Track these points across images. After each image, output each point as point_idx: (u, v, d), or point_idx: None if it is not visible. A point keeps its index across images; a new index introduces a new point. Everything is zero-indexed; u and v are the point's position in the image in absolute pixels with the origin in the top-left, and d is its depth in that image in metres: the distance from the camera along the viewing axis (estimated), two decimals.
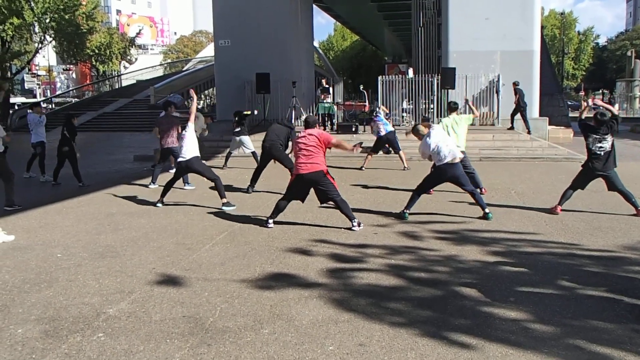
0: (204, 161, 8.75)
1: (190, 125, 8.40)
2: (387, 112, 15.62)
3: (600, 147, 7.35)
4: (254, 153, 12.45)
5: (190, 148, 8.33)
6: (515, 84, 17.28)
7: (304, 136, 6.92)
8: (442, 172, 7.41)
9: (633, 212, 7.48)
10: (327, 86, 18.67)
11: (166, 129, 10.31)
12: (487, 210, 7.44)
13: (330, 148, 6.97)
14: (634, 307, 4.33)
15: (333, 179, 6.92)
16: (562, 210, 7.70)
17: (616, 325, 3.96)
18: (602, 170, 7.44)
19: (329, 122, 17.94)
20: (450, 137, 8.06)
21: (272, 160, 9.87)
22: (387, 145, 12.86)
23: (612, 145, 7.37)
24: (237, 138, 12.67)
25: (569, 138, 20.49)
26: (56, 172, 11.11)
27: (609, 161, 7.41)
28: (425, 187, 7.70)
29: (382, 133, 12.35)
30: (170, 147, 10.20)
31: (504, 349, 3.60)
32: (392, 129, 12.71)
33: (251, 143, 12.75)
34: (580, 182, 7.72)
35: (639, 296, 4.54)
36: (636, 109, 43.01)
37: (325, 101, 17.96)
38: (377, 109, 13.48)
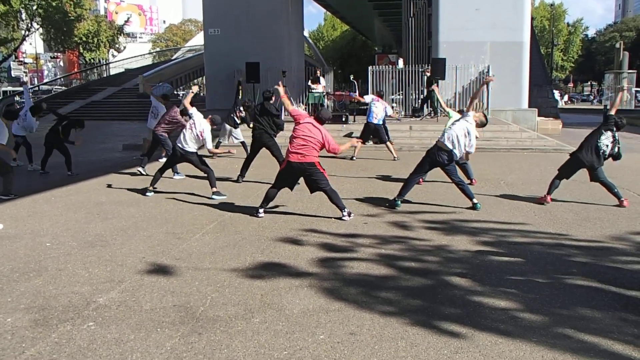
0: None
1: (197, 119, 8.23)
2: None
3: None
4: (243, 143, 12.41)
5: (191, 142, 8.18)
6: (426, 71, 17.72)
7: (309, 123, 6.73)
8: (431, 156, 7.44)
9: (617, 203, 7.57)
10: (317, 75, 18.58)
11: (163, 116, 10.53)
12: (475, 201, 7.48)
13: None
14: (621, 296, 4.39)
15: (324, 169, 6.90)
16: (551, 199, 7.76)
17: (604, 314, 4.02)
18: (589, 162, 7.51)
19: None
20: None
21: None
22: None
23: None
24: (228, 128, 12.59)
25: (557, 129, 20.64)
26: (44, 161, 11.00)
27: (597, 154, 7.53)
28: (418, 171, 7.71)
29: (374, 121, 12.22)
30: (160, 134, 10.25)
31: (494, 338, 3.63)
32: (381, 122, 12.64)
33: (240, 133, 12.71)
34: (566, 171, 7.79)
35: (626, 286, 4.60)
36: (624, 101, 43.33)
37: (315, 90, 17.87)
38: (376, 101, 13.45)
